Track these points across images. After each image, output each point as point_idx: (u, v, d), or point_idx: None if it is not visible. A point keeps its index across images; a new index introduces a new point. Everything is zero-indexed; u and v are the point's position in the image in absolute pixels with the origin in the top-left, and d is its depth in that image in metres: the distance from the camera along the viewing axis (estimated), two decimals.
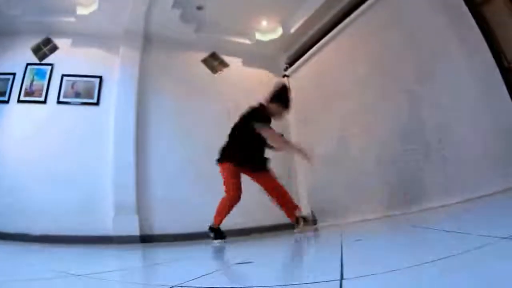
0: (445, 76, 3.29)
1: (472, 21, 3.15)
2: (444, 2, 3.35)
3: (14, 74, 4.54)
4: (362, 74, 4.23)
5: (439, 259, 0.94)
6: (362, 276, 0.90)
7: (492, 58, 3.02)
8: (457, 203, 2.88)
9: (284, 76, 5.79)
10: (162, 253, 2.89)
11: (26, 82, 4.54)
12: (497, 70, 2.98)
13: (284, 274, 1.30)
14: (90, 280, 1.34)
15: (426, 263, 0.91)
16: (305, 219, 3.38)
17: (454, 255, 0.96)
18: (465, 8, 3.20)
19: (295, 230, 3.33)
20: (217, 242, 3.11)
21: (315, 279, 1.03)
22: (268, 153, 3.48)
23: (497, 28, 3.17)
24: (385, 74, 3.91)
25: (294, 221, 3.35)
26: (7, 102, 4.42)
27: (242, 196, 3.24)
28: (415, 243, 1.52)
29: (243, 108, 3.40)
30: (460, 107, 3.16)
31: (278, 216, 3.42)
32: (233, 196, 3.21)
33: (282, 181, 3.49)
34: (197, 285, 1.09)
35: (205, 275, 1.36)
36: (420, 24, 3.55)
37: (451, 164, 3.20)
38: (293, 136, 5.52)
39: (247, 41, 5.54)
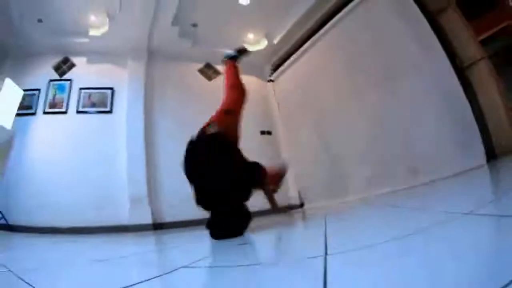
0: (408, 75, 3.29)
1: (429, 28, 3.16)
2: (405, 11, 3.34)
3: (39, 89, 4.56)
4: (338, 74, 4.21)
5: (410, 234, 0.92)
6: (344, 252, 0.88)
7: (447, 59, 3.03)
8: (422, 184, 2.88)
9: (269, 80, 5.76)
10: (172, 239, 2.85)
11: (49, 96, 4.55)
12: (452, 70, 2.99)
13: (275, 253, 1.28)
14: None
15: (409, 235, 0.90)
16: None
17: (423, 230, 0.95)
18: (422, 17, 3.21)
19: None
20: None
21: (302, 255, 1.01)
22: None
23: (451, 33, 3.18)
24: (358, 74, 3.90)
25: None
26: (34, 114, 4.44)
27: None
28: (390, 220, 1.51)
29: None
30: (422, 100, 3.17)
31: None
32: None
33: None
34: (201, 266, 1.07)
35: (208, 256, 1.34)
36: (386, 30, 3.54)
37: (417, 150, 3.21)
38: (280, 130, 5.51)
39: None
